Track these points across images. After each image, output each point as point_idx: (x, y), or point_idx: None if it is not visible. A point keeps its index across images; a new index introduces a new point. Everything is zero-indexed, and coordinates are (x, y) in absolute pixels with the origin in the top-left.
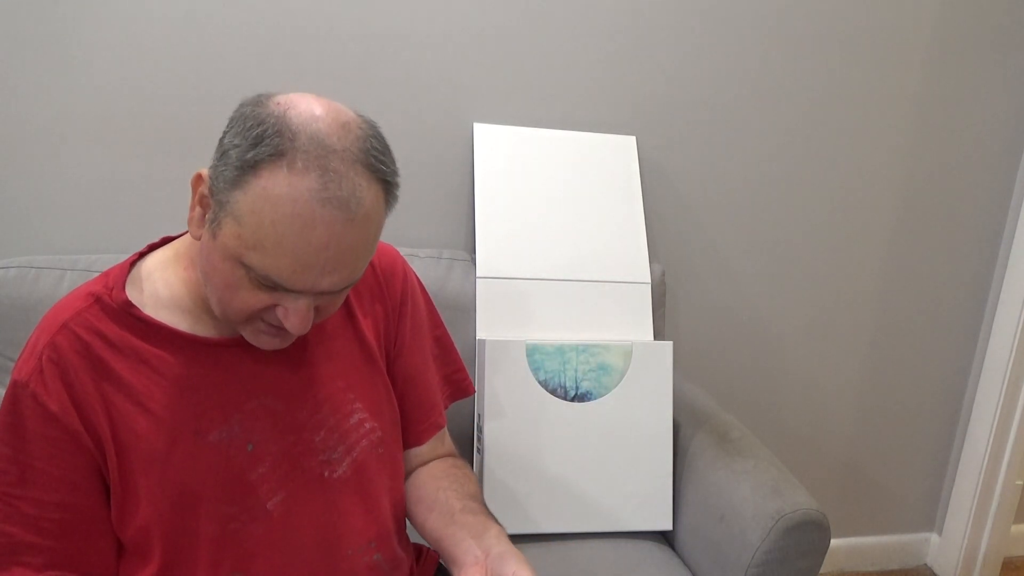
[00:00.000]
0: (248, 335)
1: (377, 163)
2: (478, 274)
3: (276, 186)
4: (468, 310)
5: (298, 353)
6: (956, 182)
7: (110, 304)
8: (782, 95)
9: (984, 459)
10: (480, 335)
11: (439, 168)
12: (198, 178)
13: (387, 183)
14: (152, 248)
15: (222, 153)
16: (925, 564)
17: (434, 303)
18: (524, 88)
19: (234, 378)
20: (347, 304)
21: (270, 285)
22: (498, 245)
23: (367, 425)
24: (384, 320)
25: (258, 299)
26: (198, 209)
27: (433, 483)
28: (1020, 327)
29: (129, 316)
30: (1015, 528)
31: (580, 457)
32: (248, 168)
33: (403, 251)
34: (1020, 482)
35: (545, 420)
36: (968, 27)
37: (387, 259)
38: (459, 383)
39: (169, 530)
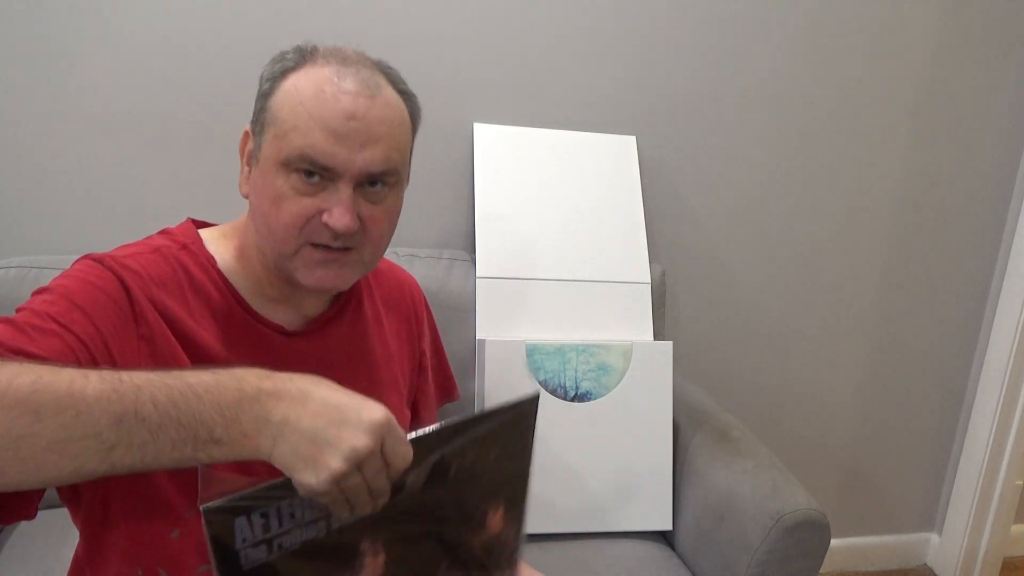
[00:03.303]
0: (300, 267)
1: (394, 75)
2: (478, 274)
3: (300, 79)
4: (468, 310)
5: (329, 355)
6: (956, 182)
7: (195, 253)
8: (782, 95)
9: (984, 459)
10: (480, 335)
11: (439, 168)
12: (245, 136)
13: (405, 94)
14: (198, 226)
15: (259, 93)
16: (925, 564)
17: (433, 303)
18: (524, 88)
19: (275, 360)
20: (376, 314)
21: (309, 171)
22: (498, 245)
23: None
24: (408, 341)
25: (302, 205)
26: (246, 169)
27: None
28: (1020, 327)
29: (211, 268)
30: (1015, 528)
31: (580, 457)
32: (277, 79)
33: (403, 251)
34: (1020, 482)
35: (545, 420)
36: (968, 27)
37: (409, 286)
38: (448, 390)
39: (183, 489)
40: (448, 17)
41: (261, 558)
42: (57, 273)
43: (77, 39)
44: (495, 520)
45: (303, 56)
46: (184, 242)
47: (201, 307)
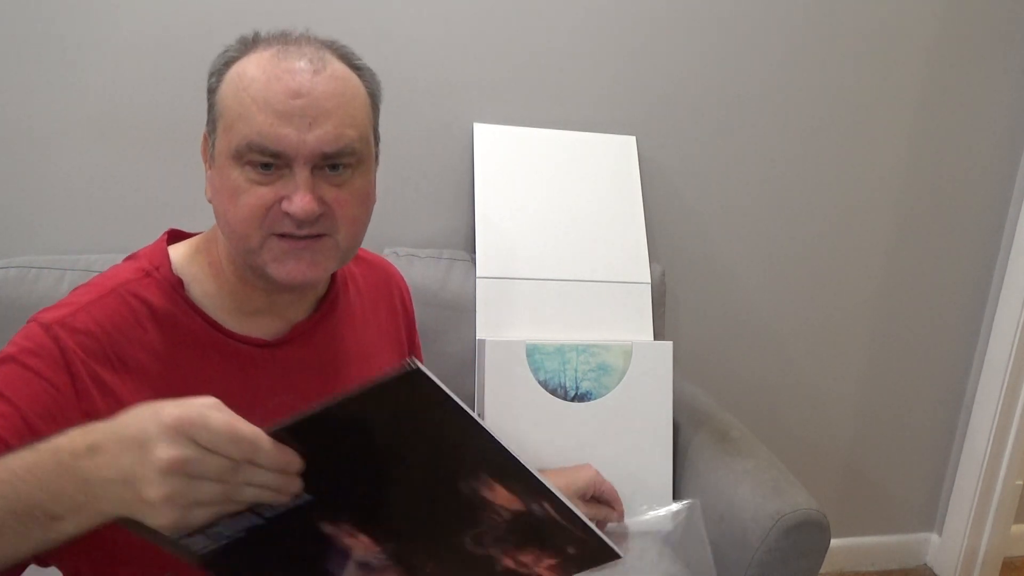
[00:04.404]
0: (270, 261)
1: (345, 52)
2: (478, 274)
3: (243, 66)
4: (468, 310)
5: (318, 359)
6: (956, 183)
7: (160, 280)
8: (782, 95)
9: (984, 459)
10: (480, 335)
11: (439, 168)
12: (204, 140)
13: (360, 69)
14: (173, 239)
15: (207, 91)
16: (925, 564)
17: (433, 303)
18: (524, 88)
19: (260, 374)
20: (363, 310)
21: (262, 160)
22: (498, 245)
23: None
24: (395, 337)
25: (259, 196)
26: (208, 173)
27: None
28: (1020, 327)
29: (176, 295)
30: (1015, 528)
31: (580, 457)
32: (222, 69)
33: (403, 251)
34: (1020, 482)
35: (545, 420)
36: (968, 27)
37: (395, 280)
38: None
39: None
40: (449, 17)
41: (207, 545)
42: (57, 273)
43: (77, 39)
44: (500, 494)
45: (246, 45)
46: (149, 268)
47: (167, 341)
